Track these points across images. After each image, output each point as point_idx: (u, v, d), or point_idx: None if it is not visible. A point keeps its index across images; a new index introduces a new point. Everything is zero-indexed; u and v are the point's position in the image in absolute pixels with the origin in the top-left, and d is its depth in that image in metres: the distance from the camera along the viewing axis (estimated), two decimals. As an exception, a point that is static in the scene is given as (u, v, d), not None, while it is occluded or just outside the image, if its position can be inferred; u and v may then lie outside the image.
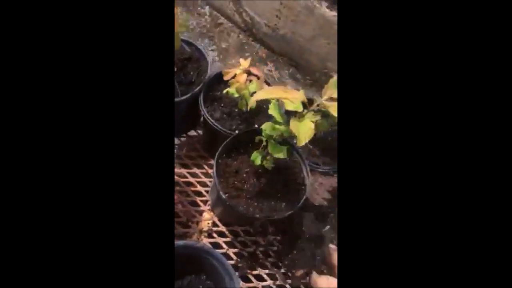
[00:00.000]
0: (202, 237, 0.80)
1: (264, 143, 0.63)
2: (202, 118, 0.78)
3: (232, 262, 0.78)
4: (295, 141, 0.55)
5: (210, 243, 0.79)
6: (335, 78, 0.64)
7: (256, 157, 0.65)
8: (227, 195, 0.66)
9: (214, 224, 0.81)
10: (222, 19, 1.54)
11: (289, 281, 0.79)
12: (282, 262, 0.80)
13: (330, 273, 0.82)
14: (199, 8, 1.54)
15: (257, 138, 0.65)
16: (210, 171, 0.88)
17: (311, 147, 0.79)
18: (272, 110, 0.57)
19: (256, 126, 0.75)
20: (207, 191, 0.85)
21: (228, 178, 0.68)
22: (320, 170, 0.76)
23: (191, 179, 0.85)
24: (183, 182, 0.85)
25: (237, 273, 0.76)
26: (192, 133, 0.92)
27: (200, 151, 0.90)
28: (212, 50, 1.47)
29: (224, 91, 0.70)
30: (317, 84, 1.48)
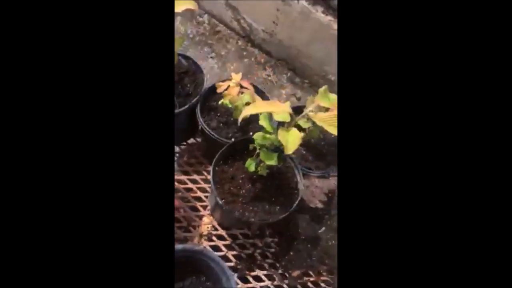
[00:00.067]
0: (203, 240, 0.85)
1: (258, 151, 0.68)
2: (200, 128, 0.83)
3: (231, 264, 0.82)
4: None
5: (211, 246, 0.84)
6: (323, 88, 0.68)
7: (250, 164, 0.70)
8: (223, 200, 0.71)
9: (214, 228, 0.86)
10: (220, 27, 1.60)
11: (286, 281, 0.84)
12: (280, 263, 0.85)
13: (327, 273, 0.87)
14: (197, 17, 1.59)
15: (251, 146, 0.70)
16: (209, 177, 0.92)
17: (304, 152, 0.84)
18: (262, 121, 0.62)
19: (251, 133, 0.80)
20: (206, 197, 0.90)
21: (224, 184, 0.73)
22: (312, 174, 0.81)
23: (191, 185, 0.90)
24: (183, 188, 0.90)
25: (235, 274, 0.80)
26: (192, 141, 0.97)
27: (200, 158, 0.95)
28: (211, 57, 1.52)
29: (220, 102, 0.75)
30: (316, 87, 1.52)
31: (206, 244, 0.84)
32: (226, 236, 0.86)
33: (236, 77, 0.67)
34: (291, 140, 0.55)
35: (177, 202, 0.90)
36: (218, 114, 0.82)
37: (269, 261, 0.85)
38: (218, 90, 0.70)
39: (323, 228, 0.88)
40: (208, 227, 0.86)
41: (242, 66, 1.53)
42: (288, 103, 0.59)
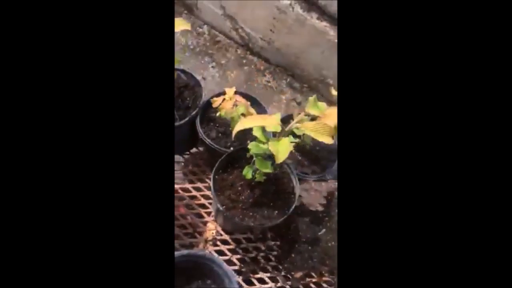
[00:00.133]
0: (208, 245, 0.90)
1: (254, 159, 0.73)
2: (200, 138, 0.88)
3: (236, 267, 0.87)
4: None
5: (216, 251, 0.89)
6: (313, 97, 0.73)
7: (248, 172, 0.74)
8: (224, 207, 0.76)
9: (218, 233, 0.91)
10: (220, 37, 1.66)
11: (289, 282, 0.88)
12: (282, 265, 0.89)
13: (329, 274, 0.90)
14: (197, 28, 1.66)
15: (248, 154, 0.74)
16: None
17: (300, 158, 0.88)
18: (256, 132, 0.67)
19: (249, 142, 0.85)
20: (210, 203, 0.95)
21: (224, 191, 0.78)
22: (308, 178, 0.85)
23: (195, 193, 0.96)
24: (188, 196, 0.96)
25: (239, 277, 0.85)
26: (194, 150, 1.03)
27: (202, 167, 1.00)
28: (212, 66, 1.58)
29: (217, 114, 0.80)
30: (315, 91, 1.56)
31: (211, 249, 0.89)
32: (230, 240, 0.91)
33: (230, 92, 0.72)
34: (281, 150, 0.60)
35: (182, 210, 0.95)
36: (217, 125, 0.88)
37: (272, 263, 0.89)
38: (214, 105, 0.75)
39: (323, 230, 0.92)
40: (212, 233, 0.91)
41: (242, 74, 1.59)
42: (278, 115, 0.64)
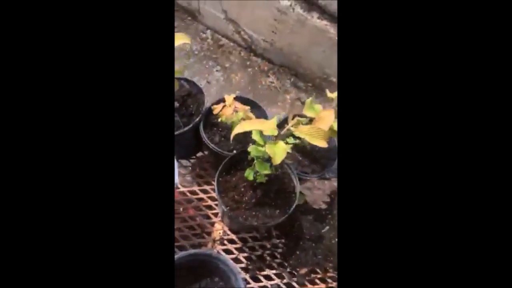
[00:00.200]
0: (216, 245, 0.95)
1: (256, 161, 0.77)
2: (204, 143, 0.94)
3: (243, 265, 0.92)
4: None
5: (223, 250, 0.94)
6: (309, 100, 0.77)
7: (249, 174, 0.79)
8: (228, 208, 0.81)
9: (225, 233, 0.96)
10: (223, 40, 1.71)
11: (295, 279, 0.92)
12: (288, 262, 0.93)
13: (333, 270, 0.94)
14: (201, 33, 1.71)
15: (249, 157, 0.79)
16: (218, 186, 1.03)
17: (300, 158, 0.92)
18: (255, 135, 0.71)
19: (250, 145, 0.89)
20: (216, 205, 1.00)
21: (228, 193, 0.83)
22: (308, 178, 0.89)
23: (202, 195, 1.01)
24: (195, 198, 1.01)
25: (246, 274, 0.90)
26: (200, 154, 1.09)
27: (208, 170, 1.06)
28: (217, 70, 1.63)
29: (219, 119, 0.86)
30: (319, 90, 1.59)
31: (219, 248, 0.94)
32: (236, 239, 0.96)
33: (229, 99, 0.77)
34: (278, 152, 0.64)
35: (191, 212, 1.01)
36: (220, 130, 0.93)
37: (278, 260, 0.94)
38: (214, 112, 0.80)
39: (327, 227, 0.95)
40: (219, 233, 0.96)
41: (246, 76, 1.63)
42: (275, 119, 0.68)
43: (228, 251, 0.94)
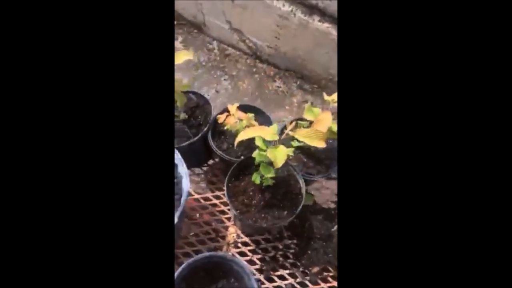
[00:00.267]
0: (230, 248, 1.01)
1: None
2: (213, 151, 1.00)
3: (257, 266, 0.97)
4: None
5: (237, 252, 0.99)
6: (308, 104, 0.81)
7: (256, 178, 0.84)
8: (238, 211, 0.86)
9: (238, 236, 1.02)
10: (229, 50, 1.78)
11: (308, 277, 0.96)
12: (300, 261, 0.97)
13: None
14: (207, 44, 1.79)
15: (256, 162, 0.84)
16: (230, 191, 1.09)
17: (305, 160, 0.96)
18: (258, 142, 0.77)
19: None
20: (229, 209, 1.06)
21: (238, 197, 0.89)
22: (314, 178, 0.93)
23: (215, 201, 1.07)
24: (209, 204, 1.08)
25: (261, 275, 0.95)
26: (211, 162, 1.15)
27: (220, 176, 1.12)
28: (224, 79, 1.70)
29: (226, 128, 0.92)
30: (325, 90, 1.63)
31: (233, 251, 1.00)
32: (249, 242, 1.01)
33: (233, 108, 0.83)
34: (279, 156, 0.69)
35: (206, 217, 1.07)
36: (227, 137, 0.99)
37: (290, 260, 0.98)
38: (219, 122, 0.86)
39: (336, 226, 0.99)
40: (233, 236, 1.02)
41: (253, 82, 1.69)
42: (275, 125, 0.73)
43: (242, 254, 0.99)
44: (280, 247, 1.00)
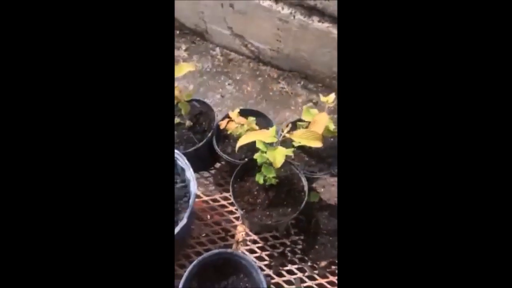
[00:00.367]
0: (240, 246, 1.07)
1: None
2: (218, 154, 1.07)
3: (266, 262, 1.03)
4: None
5: (247, 249, 1.06)
6: (306, 106, 0.87)
7: (259, 178, 0.91)
8: (244, 210, 0.93)
9: (247, 234, 1.08)
10: (232, 55, 1.85)
11: (316, 271, 1.01)
12: (308, 256, 1.03)
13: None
14: (211, 51, 1.87)
15: (258, 163, 0.91)
16: (237, 192, 1.15)
17: (307, 159, 1.02)
18: (258, 144, 0.83)
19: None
20: (236, 209, 1.13)
21: (243, 197, 0.95)
22: (316, 176, 0.98)
23: (223, 202, 1.14)
24: (218, 205, 1.15)
25: (270, 270, 1.00)
26: (218, 165, 1.22)
27: (227, 178, 1.19)
28: (229, 84, 1.78)
29: (229, 132, 0.98)
30: (330, 89, 1.67)
31: (243, 248, 1.06)
32: (258, 239, 1.07)
33: (234, 114, 0.89)
34: (277, 157, 0.75)
35: (216, 217, 1.15)
36: (231, 141, 1.06)
37: (298, 256, 1.04)
38: (221, 127, 0.93)
39: (341, 221, 1.04)
40: (242, 234, 1.08)
41: (257, 84, 1.76)
42: (274, 128, 0.79)
43: (251, 251, 1.05)
44: (288, 243, 1.05)
